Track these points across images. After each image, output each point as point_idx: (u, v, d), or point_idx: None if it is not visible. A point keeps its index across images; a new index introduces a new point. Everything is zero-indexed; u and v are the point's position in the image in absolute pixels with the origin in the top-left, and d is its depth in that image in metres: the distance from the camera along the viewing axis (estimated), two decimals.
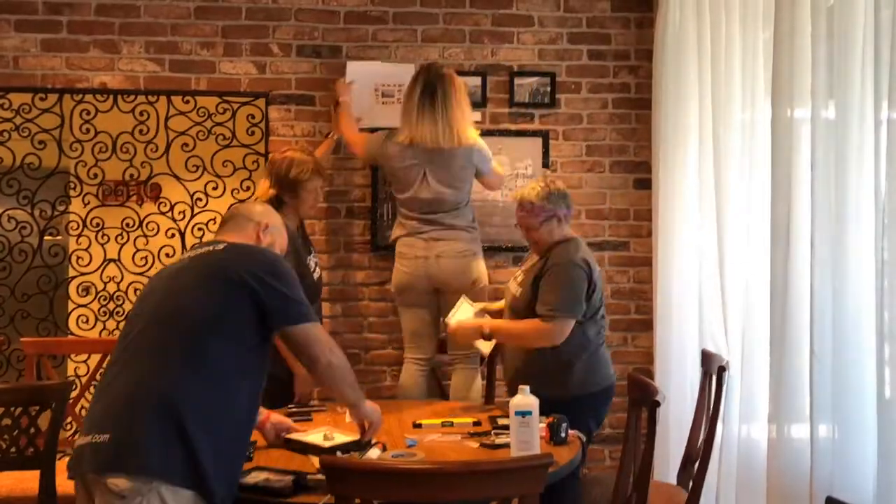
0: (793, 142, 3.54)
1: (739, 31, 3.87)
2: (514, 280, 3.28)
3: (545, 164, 4.19)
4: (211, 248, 2.28)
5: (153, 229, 4.03)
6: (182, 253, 2.44)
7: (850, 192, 3.45)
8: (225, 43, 4.07)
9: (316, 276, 3.49)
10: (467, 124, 3.65)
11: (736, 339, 3.81)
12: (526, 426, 2.39)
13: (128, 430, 2.01)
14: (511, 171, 4.17)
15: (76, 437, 2.16)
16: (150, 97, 4.03)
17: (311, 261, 3.48)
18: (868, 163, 3.46)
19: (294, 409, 3.12)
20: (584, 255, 3.12)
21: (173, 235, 4.04)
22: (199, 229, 4.05)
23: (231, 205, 2.55)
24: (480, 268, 3.68)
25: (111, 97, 4.02)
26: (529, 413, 2.39)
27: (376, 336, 4.10)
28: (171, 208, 4.05)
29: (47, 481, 2.67)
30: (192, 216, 4.06)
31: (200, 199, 4.06)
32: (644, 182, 4.20)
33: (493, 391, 3.81)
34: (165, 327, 2.13)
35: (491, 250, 4.16)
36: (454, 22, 4.18)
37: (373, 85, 3.99)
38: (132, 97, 4.02)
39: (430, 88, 3.57)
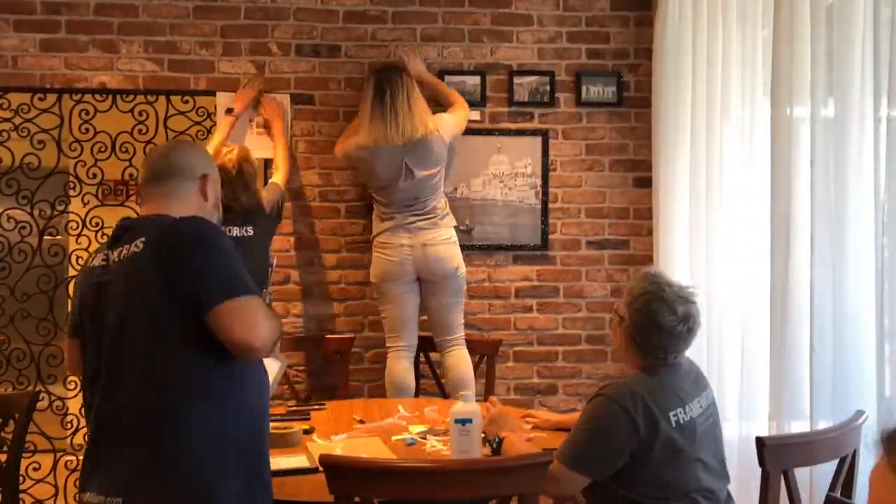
0: (792, 140, 3.53)
1: (738, 30, 3.87)
2: None
3: (545, 164, 4.18)
4: (134, 246, 1.93)
5: None
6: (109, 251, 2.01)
7: (849, 190, 3.45)
8: (224, 42, 4.06)
9: None
10: (425, 111, 3.78)
11: (736, 337, 3.82)
12: (466, 434, 2.34)
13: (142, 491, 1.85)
14: (511, 169, 4.17)
15: (80, 494, 1.95)
16: (149, 97, 4.02)
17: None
18: (867, 161, 3.46)
19: (293, 408, 3.13)
20: (639, 399, 2.20)
21: None
22: None
23: (149, 145, 2.03)
24: (460, 255, 3.82)
25: (110, 97, 4.01)
26: (470, 421, 2.34)
27: (377, 334, 4.09)
28: None
29: (10, 501, 2.49)
30: None
31: None
32: (644, 180, 4.20)
33: (493, 390, 3.82)
34: (124, 360, 1.90)
35: (490, 249, 4.18)
36: (453, 21, 4.18)
37: (248, 115, 4.00)
38: (131, 97, 4.02)
39: (380, 88, 3.70)
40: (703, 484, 2.23)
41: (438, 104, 3.99)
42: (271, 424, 2.63)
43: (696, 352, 3.68)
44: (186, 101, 4.04)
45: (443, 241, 3.75)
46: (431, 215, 3.76)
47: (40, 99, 3.98)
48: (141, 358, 1.88)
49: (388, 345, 3.85)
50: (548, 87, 4.20)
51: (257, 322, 1.87)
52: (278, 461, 2.36)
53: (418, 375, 3.92)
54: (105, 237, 3.95)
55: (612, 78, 4.22)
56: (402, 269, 3.74)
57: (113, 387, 1.91)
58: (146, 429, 1.86)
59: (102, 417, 1.93)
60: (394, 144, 3.66)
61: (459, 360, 3.78)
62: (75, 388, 3.95)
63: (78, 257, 4.00)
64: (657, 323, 2.25)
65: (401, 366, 3.78)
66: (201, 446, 1.87)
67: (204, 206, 2.08)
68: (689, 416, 2.23)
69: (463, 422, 2.34)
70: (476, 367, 3.83)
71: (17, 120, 3.96)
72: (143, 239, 1.92)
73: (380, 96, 3.69)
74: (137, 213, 2.12)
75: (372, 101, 3.70)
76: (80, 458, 3.91)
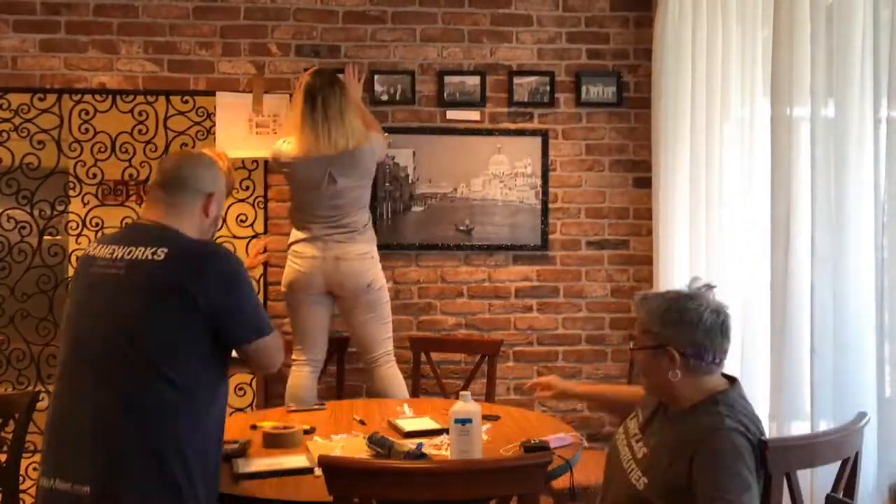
0: (792, 140, 3.54)
1: (738, 30, 3.87)
2: (626, 444, 2.23)
3: (545, 164, 4.19)
4: (151, 254, 2.03)
5: None
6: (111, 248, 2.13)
7: (849, 190, 3.46)
8: (223, 43, 4.06)
9: None
10: (358, 124, 3.59)
11: (736, 337, 3.81)
12: (466, 434, 2.31)
13: (111, 484, 1.92)
14: (511, 169, 4.17)
15: (42, 476, 2.01)
16: (148, 97, 4.03)
17: None
18: (867, 161, 3.46)
19: (294, 409, 3.13)
20: (747, 423, 2.03)
21: None
22: None
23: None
24: (377, 270, 3.66)
25: (110, 97, 4.02)
26: (470, 421, 2.32)
27: None
28: None
29: (10, 501, 2.50)
30: None
31: None
32: (643, 181, 4.20)
33: (493, 390, 3.82)
34: (123, 362, 1.98)
35: (490, 249, 4.18)
36: (453, 21, 4.18)
37: (246, 115, 3.98)
38: (131, 97, 4.02)
39: (312, 95, 3.52)
40: None
41: None
42: (272, 425, 2.68)
43: None
44: (186, 102, 4.04)
45: (357, 255, 3.58)
46: (349, 229, 3.59)
47: (40, 99, 3.98)
48: (140, 364, 1.98)
49: (292, 357, 3.66)
50: (547, 88, 4.20)
51: (279, 354, 2.21)
52: (278, 461, 2.36)
53: (419, 375, 3.92)
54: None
55: (611, 78, 4.22)
56: (309, 280, 3.56)
57: (95, 384, 1.99)
58: (138, 428, 1.96)
59: (71, 412, 2.01)
60: (323, 154, 3.50)
61: (384, 382, 3.63)
62: None
63: (78, 257, 3.99)
64: (707, 321, 2.04)
65: (298, 382, 3.61)
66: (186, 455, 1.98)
67: (204, 220, 2.20)
68: None
69: (463, 422, 2.33)
70: (476, 367, 3.83)
71: (17, 120, 3.96)
72: (164, 250, 2.03)
73: (311, 103, 3.51)
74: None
75: (303, 108, 3.53)
76: None
